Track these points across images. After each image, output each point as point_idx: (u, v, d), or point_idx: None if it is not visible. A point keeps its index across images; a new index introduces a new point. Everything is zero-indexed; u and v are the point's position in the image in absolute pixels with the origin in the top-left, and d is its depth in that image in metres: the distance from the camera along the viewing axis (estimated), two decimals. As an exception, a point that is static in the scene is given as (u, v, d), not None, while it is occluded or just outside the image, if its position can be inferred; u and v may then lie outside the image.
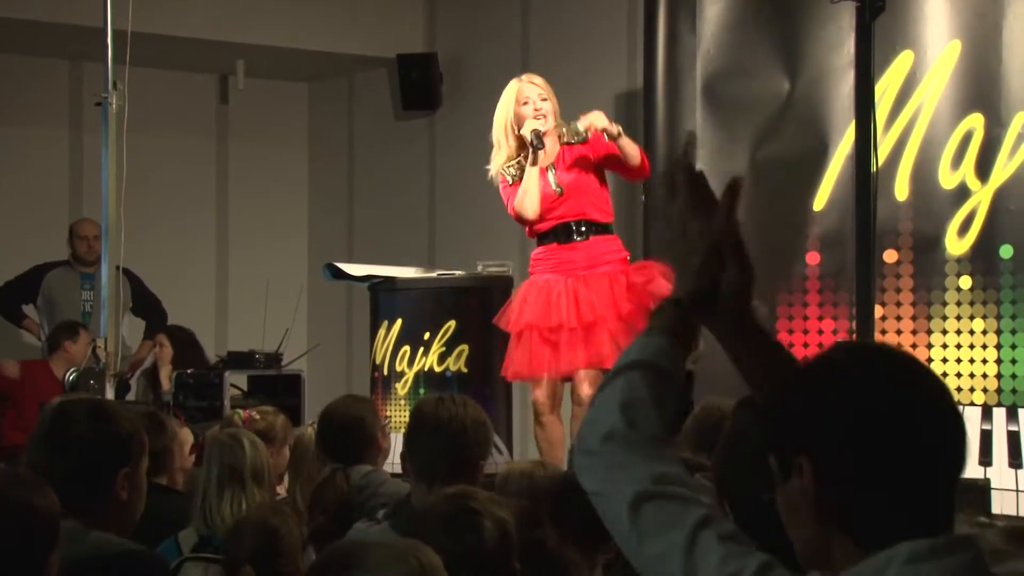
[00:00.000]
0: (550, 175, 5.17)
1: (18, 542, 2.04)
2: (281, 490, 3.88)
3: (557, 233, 5.15)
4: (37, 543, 2.07)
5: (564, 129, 5.21)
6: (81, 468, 2.42)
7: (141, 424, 2.58)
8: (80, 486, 2.41)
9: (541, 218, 5.19)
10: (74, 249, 7.71)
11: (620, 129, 5.08)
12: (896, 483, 1.45)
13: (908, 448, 1.45)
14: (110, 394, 5.24)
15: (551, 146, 5.20)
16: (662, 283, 4.93)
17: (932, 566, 1.41)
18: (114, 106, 5.26)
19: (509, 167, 5.23)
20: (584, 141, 5.18)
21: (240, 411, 4.03)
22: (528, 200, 5.15)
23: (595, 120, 5.08)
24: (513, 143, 5.22)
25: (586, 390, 4.94)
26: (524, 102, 5.19)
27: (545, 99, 5.19)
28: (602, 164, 5.23)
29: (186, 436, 4.01)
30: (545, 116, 5.16)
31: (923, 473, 1.46)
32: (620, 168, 5.21)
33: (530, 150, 5.11)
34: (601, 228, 5.13)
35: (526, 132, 5.14)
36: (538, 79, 5.28)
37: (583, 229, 5.12)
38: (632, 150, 5.11)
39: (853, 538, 1.45)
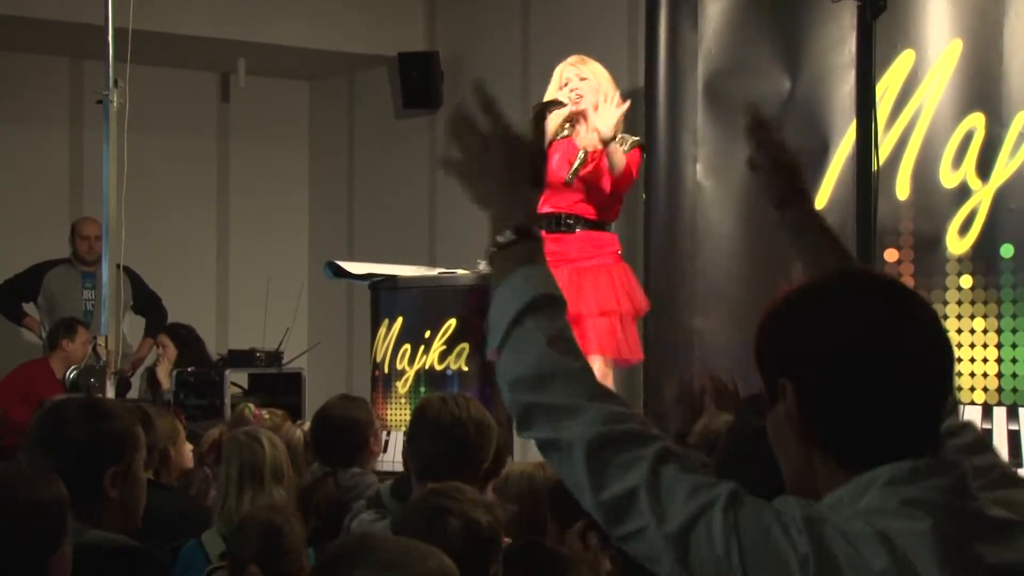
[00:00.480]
0: (578, 157, 5.18)
1: (25, 538, 2.04)
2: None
3: (548, 223, 5.17)
4: (44, 537, 2.07)
5: (621, 139, 5.21)
6: (74, 467, 2.42)
7: (135, 421, 2.58)
8: (74, 485, 2.42)
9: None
10: (75, 248, 7.70)
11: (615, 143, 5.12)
12: (876, 404, 1.42)
13: (888, 368, 1.43)
14: (111, 392, 5.24)
15: (584, 135, 5.17)
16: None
17: (912, 488, 1.39)
18: (115, 104, 5.26)
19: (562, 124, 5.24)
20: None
21: (251, 406, 4.02)
22: None
23: (600, 119, 5.10)
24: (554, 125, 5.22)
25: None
26: (564, 84, 5.21)
27: (584, 78, 5.21)
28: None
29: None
30: (582, 96, 5.16)
31: (904, 394, 1.43)
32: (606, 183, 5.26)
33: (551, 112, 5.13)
34: (591, 224, 5.13)
35: (554, 96, 5.15)
36: (585, 63, 5.28)
37: (570, 223, 5.14)
38: (616, 160, 5.15)
39: (836, 461, 1.43)
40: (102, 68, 5.37)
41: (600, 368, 5.03)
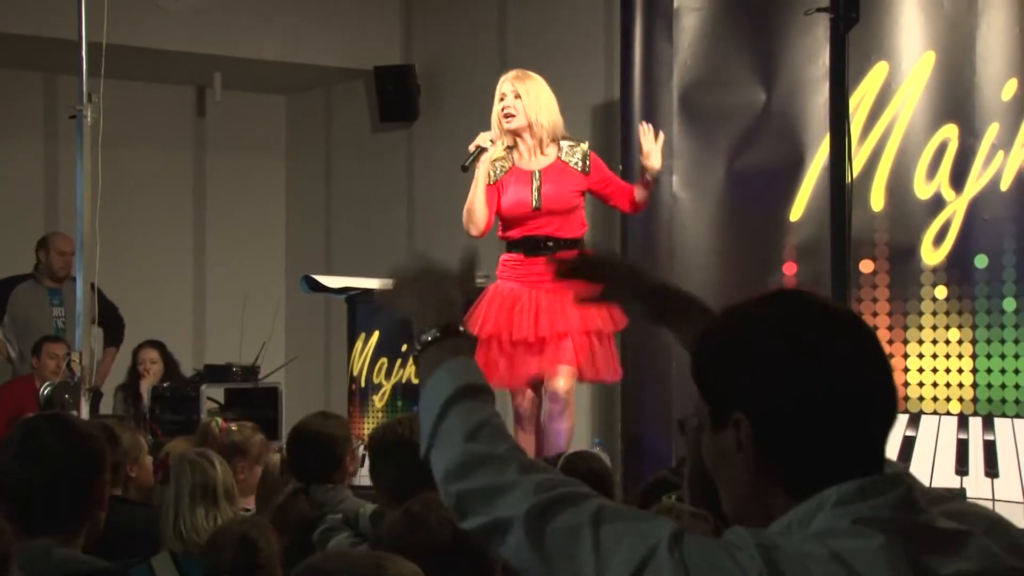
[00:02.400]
0: (534, 185, 5.14)
1: None
2: (250, 504, 3.86)
3: (525, 245, 5.12)
4: None
5: (568, 150, 5.15)
6: (54, 485, 2.41)
7: (104, 437, 2.58)
8: (55, 503, 2.40)
9: (506, 227, 5.18)
10: (49, 263, 7.57)
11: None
12: (830, 429, 1.43)
13: (840, 392, 1.44)
14: (85, 408, 5.20)
15: (524, 158, 5.17)
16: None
17: (861, 507, 1.39)
18: (89, 119, 5.24)
19: (495, 163, 5.17)
20: (586, 172, 5.15)
21: (218, 419, 4.00)
22: (473, 220, 5.12)
23: (654, 163, 5.11)
24: (502, 140, 5.17)
25: (561, 385, 4.95)
26: (500, 98, 5.17)
27: (517, 96, 5.14)
28: (595, 192, 5.21)
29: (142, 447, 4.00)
30: (512, 115, 5.11)
31: (857, 416, 1.44)
32: (614, 200, 5.24)
33: (479, 161, 5.10)
34: (569, 244, 5.07)
35: (475, 143, 5.11)
36: (522, 79, 5.19)
37: (550, 245, 5.08)
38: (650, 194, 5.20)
39: (785, 485, 1.44)
40: (76, 83, 5.35)
41: (567, 383, 4.98)
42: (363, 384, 5.91)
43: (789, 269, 5.99)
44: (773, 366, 1.45)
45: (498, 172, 5.17)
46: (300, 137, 9.46)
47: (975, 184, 5.50)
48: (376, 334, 5.87)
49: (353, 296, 6.05)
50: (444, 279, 1.71)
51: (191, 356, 8.52)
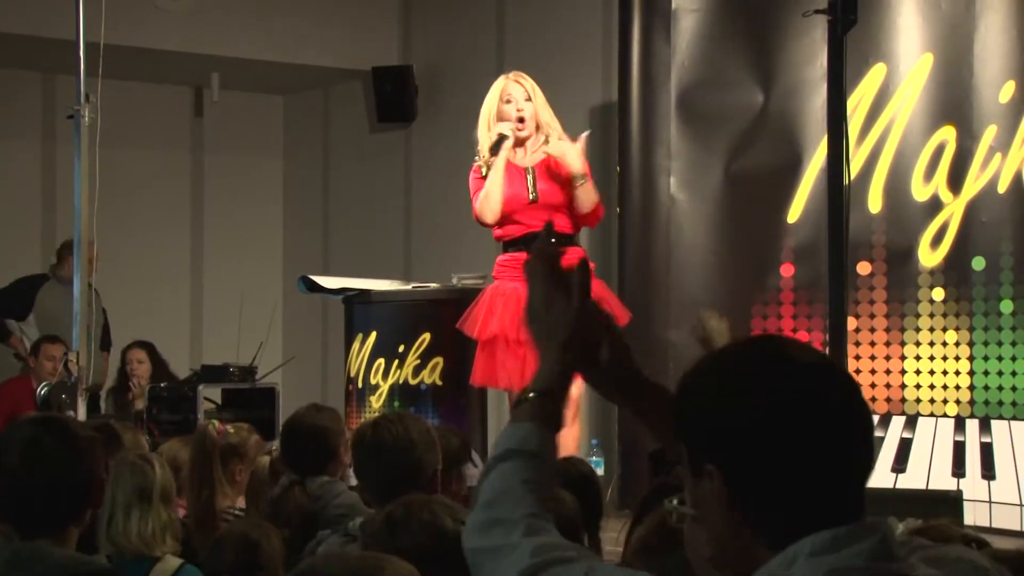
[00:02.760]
0: (528, 180, 5.14)
1: None
2: (242, 502, 3.87)
3: (526, 242, 5.12)
4: None
5: (566, 149, 5.13)
6: (53, 487, 2.42)
7: (102, 438, 2.61)
8: (54, 505, 2.42)
9: (502, 223, 5.17)
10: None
11: (585, 175, 5.07)
12: (804, 481, 1.44)
13: (817, 449, 1.44)
14: (82, 408, 5.20)
15: (531, 154, 5.17)
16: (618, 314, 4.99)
17: (835, 557, 1.40)
18: (87, 119, 5.23)
19: (487, 162, 5.19)
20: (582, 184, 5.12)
21: (215, 422, 4.00)
22: (489, 205, 5.14)
23: (568, 154, 5.06)
24: (494, 138, 5.19)
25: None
26: (507, 100, 5.17)
27: (528, 99, 5.16)
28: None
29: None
30: (525, 120, 5.13)
31: (832, 467, 1.45)
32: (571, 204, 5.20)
33: (502, 148, 5.11)
34: (567, 240, 5.07)
35: (497, 131, 5.12)
36: (526, 79, 5.24)
37: (552, 241, 5.05)
38: (587, 198, 5.10)
39: (763, 534, 1.45)
40: (74, 83, 5.35)
41: (575, 389, 4.96)
42: (360, 385, 5.90)
43: (787, 270, 6.00)
44: (742, 420, 1.46)
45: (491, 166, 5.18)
46: (298, 137, 9.46)
47: (973, 186, 5.50)
48: (373, 335, 5.87)
49: (350, 297, 6.05)
50: (564, 326, 1.74)
51: (188, 356, 8.53)
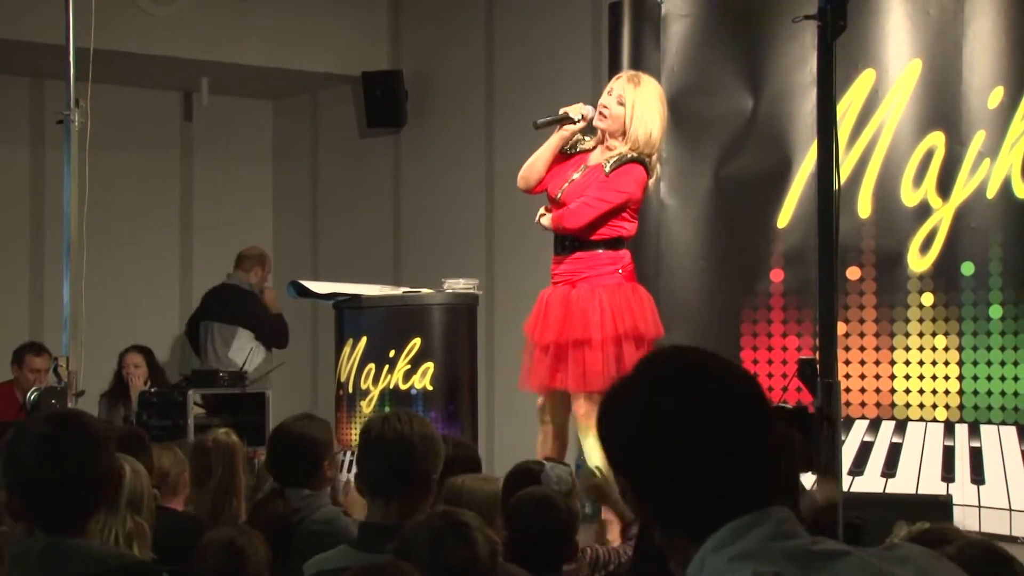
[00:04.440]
0: (572, 175, 5.03)
1: None
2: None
3: (554, 242, 5.10)
4: None
5: (618, 155, 4.96)
6: (74, 486, 2.44)
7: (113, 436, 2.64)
8: (74, 503, 2.43)
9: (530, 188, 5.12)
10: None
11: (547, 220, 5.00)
12: (695, 489, 1.53)
13: (704, 448, 1.53)
14: (72, 414, 5.18)
15: (594, 152, 5.05)
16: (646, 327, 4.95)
17: (735, 547, 1.49)
18: (76, 124, 5.22)
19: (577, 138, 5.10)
20: (607, 174, 4.94)
21: (227, 430, 4.01)
22: (530, 173, 5.09)
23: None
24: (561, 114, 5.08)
25: (578, 409, 4.97)
26: (608, 92, 5.01)
27: (621, 104, 4.94)
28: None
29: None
30: (605, 116, 4.95)
31: (720, 474, 1.53)
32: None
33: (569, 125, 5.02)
34: (587, 245, 4.96)
35: (566, 109, 5.02)
36: (634, 80, 4.99)
37: (566, 243, 5.03)
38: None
39: (688, 538, 1.53)
40: (63, 88, 5.33)
41: (584, 407, 4.93)
42: (351, 390, 5.90)
43: (776, 276, 6.01)
44: (632, 434, 1.56)
45: (575, 148, 5.08)
46: (288, 142, 9.45)
47: (961, 192, 5.52)
48: (364, 340, 5.86)
49: (341, 302, 6.04)
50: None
51: (178, 361, 8.51)
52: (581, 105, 5.07)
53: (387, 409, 5.73)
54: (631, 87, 4.96)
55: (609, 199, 4.92)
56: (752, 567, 1.46)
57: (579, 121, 5.02)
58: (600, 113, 4.98)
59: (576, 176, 5.03)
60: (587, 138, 5.09)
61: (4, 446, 2.52)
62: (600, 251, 4.98)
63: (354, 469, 3.25)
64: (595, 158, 5.04)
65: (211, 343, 7.91)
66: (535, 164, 5.09)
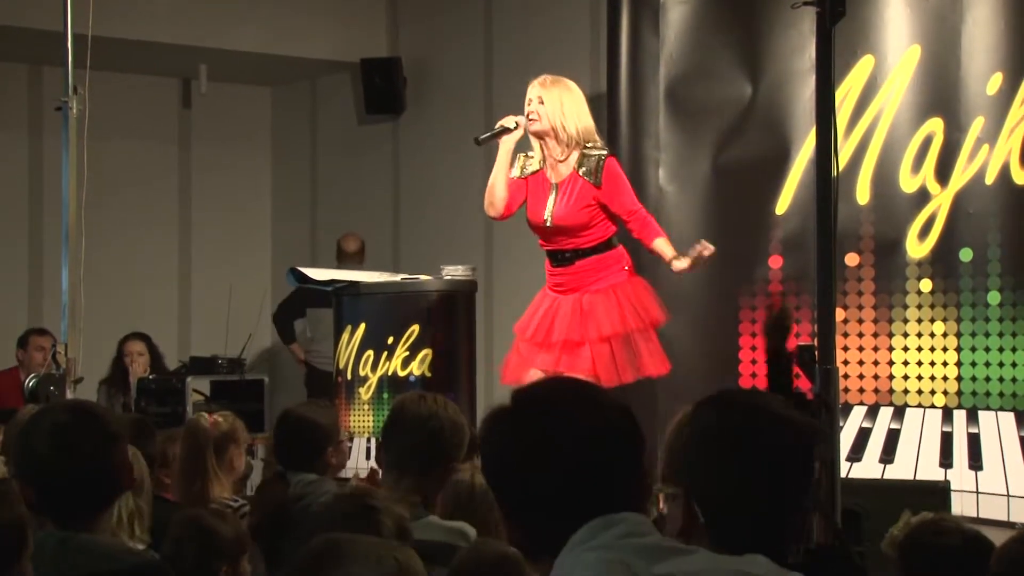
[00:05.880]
0: (550, 199, 5.04)
1: None
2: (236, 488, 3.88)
3: (549, 255, 5.13)
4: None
5: (584, 159, 5.01)
6: (88, 479, 2.44)
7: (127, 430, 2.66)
8: (87, 496, 2.43)
9: (504, 215, 5.14)
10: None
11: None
12: (564, 503, 1.69)
13: (569, 472, 1.70)
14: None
15: (551, 167, 5.06)
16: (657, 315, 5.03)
17: (591, 543, 1.65)
18: (74, 111, 5.21)
19: (525, 158, 5.13)
20: (598, 185, 4.98)
21: (205, 415, 4.01)
22: (492, 201, 5.10)
23: (678, 267, 4.98)
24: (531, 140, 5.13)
25: None
26: (528, 102, 5.07)
27: (542, 102, 5.01)
28: (609, 210, 5.05)
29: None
30: (534, 119, 5.02)
31: (576, 482, 1.70)
32: (628, 226, 5.09)
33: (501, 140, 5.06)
34: (588, 252, 5.02)
35: (501, 122, 5.08)
36: (546, 83, 5.09)
37: (567, 256, 5.05)
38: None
39: (547, 551, 1.70)
40: (61, 74, 5.33)
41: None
42: (349, 376, 5.91)
43: (775, 262, 6.01)
44: (506, 459, 1.76)
45: (525, 170, 5.11)
46: (286, 129, 9.44)
47: (960, 178, 5.52)
48: (362, 327, 5.87)
49: (339, 289, 6.04)
50: None
51: (176, 348, 8.51)
52: (509, 116, 5.10)
53: (386, 396, 5.74)
54: (542, 88, 5.06)
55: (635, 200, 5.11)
56: (599, 553, 1.62)
57: (515, 128, 5.05)
58: (529, 119, 5.02)
59: (554, 198, 5.03)
60: (531, 154, 5.12)
61: (18, 434, 2.52)
62: (603, 254, 5.05)
63: (372, 457, 3.28)
64: (560, 174, 5.05)
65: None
66: (494, 187, 5.09)
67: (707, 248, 4.95)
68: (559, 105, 5.02)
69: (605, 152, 5.05)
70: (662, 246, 5.02)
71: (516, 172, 5.12)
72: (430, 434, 3.07)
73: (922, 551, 2.75)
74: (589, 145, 5.03)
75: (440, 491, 3.42)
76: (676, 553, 1.66)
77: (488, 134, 5.11)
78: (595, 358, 4.92)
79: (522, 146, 5.15)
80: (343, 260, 7.84)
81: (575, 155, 5.02)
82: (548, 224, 5.02)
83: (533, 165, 5.11)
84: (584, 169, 4.99)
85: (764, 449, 1.82)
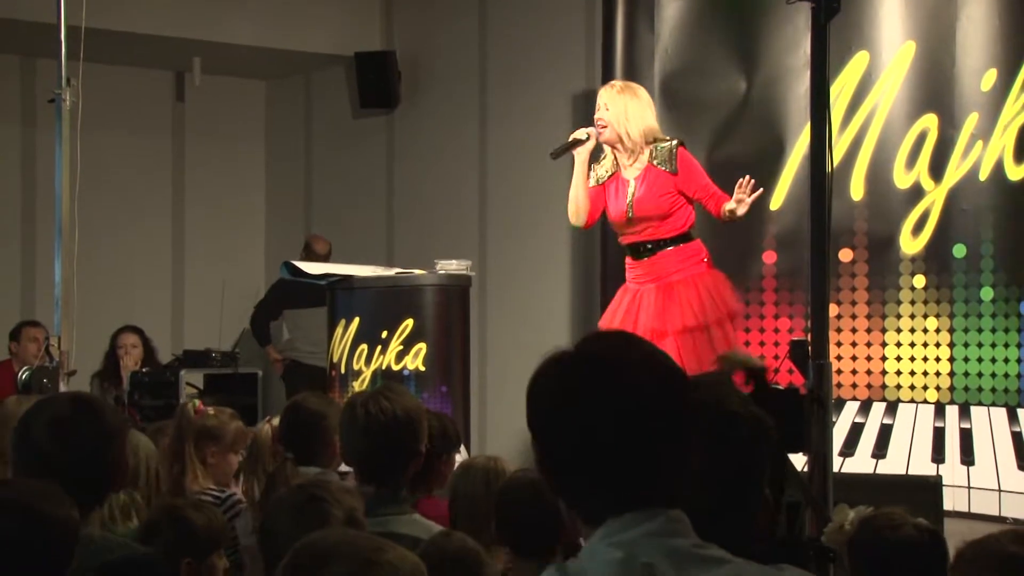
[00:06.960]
0: (629, 192, 5.19)
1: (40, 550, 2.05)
2: (237, 489, 3.86)
3: (630, 249, 5.26)
4: (57, 553, 2.09)
5: (656, 151, 5.16)
6: (85, 472, 2.44)
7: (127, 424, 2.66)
8: (83, 489, 2.44)
9: (589, 223, 5.33)
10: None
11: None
12: (601, 473, 1.60)
13: (597, 447, 1.60)
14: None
15: (625, 161, 5.20)
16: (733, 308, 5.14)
17: (622, 535, 1.58)
18: (68, 103, 5.20)
19: (596, 167, 5.30)
20: (674, 172, 5.14)
21: (196, 401, 4.00)
22: (575, 214, 5.30)
23: (739, 212, 5.04)
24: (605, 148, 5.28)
25: None
26: (596, 109, 5.26)
27: (608, 109, 5.20)
28: (686, 195, 5.18)
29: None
30: (605, 126, 5.18)
31: (627, 462, 1.59)
32: (706, 206, 5.20)
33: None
34: (668, 243, 5.17)
35: (574, 135, 5.25)
36: (612, 89, 5.26)
37: (648, 247, 5.19)
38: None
39: (582, 518, 1.63)
40: (55, 66, 5.32)
41: None
42: (343, 370, 5.90)
43: (769, 258, 6.02)
44: (549, 407, 1.65)
45: (601, 176, 5.27)
46: (280, 123, 9.43)
47: (954, 174, 5.53)
48: (356, 320, 5.86)
49: (333, 282, 6.04)
50: None
51: (170, 341, 8.50)
52: (581, 128, 5.30)
53: (379, 389, 5.73)
54: (609, 95, 5.22)
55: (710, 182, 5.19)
56: (624, 552, 1.55)
57: (587, 139, 5.23)
58: (599, 128, 5.20)
59: (633, 190, 5.18)
60: (601, 160, 5.30)
61: (19, 422, 2.52)
62: (682, 246, 5.19)
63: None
64: (635, 170, 5.20)
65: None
66: (576, 198, 5.29)
67: (745, 185, 5.01)
68: (624, 111, 5.19)
69: (676, 141, 5.21)
70: (726, 205, 5.10)
71: (592, 182, 5.30)
72: (384, 432, 3.04)
73: (877, 545, 2.69)
74: (657, 140, 5.20)
75: (426, 484, 3.43)
76: (707, 563, 1.58)
77: (561, 147, 5.28)
78: (680, 348, 5.00)
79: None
80: (311, 260, 7.83)
81: (645, 152, 5.19)
82: (631, 215, 5.18)
83: (605, 170, 5.29)
84: (658, 160, 5.17)
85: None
